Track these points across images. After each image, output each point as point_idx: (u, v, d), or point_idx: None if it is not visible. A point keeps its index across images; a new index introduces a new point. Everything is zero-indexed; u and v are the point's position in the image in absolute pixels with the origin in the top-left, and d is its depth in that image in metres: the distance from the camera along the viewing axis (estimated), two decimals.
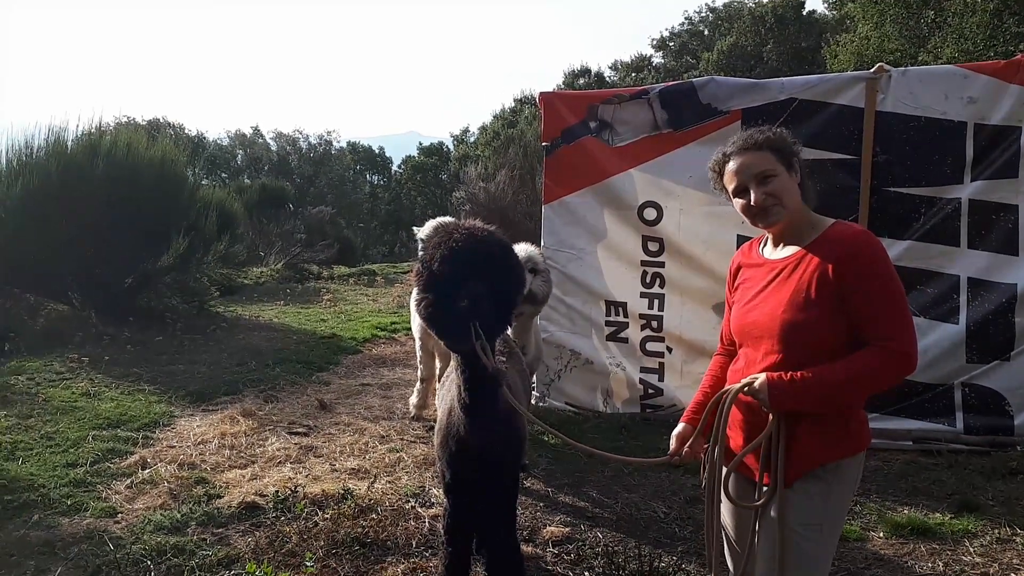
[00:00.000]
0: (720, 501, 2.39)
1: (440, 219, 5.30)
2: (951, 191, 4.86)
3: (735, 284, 2.44)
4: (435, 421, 5.75)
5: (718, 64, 32.59)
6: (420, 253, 5.29)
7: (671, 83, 5.46)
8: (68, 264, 8.85)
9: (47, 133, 8.82)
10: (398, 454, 5.04)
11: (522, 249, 4.12)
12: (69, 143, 8.82)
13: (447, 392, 3.11)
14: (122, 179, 8.73)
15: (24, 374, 6.58)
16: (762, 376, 2.17)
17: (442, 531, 3.19)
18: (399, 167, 48.40)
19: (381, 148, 51.22)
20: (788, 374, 2.12)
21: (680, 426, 2.49)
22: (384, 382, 6.87)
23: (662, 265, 5.49)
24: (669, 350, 5.55)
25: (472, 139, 46.04)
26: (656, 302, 5.53)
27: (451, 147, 46.79)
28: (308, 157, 45.80)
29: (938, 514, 4.14)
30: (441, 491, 3.71)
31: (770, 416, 2.20)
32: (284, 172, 40.02)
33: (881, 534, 3.93)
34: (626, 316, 5.64)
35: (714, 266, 5.30)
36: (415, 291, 4.24)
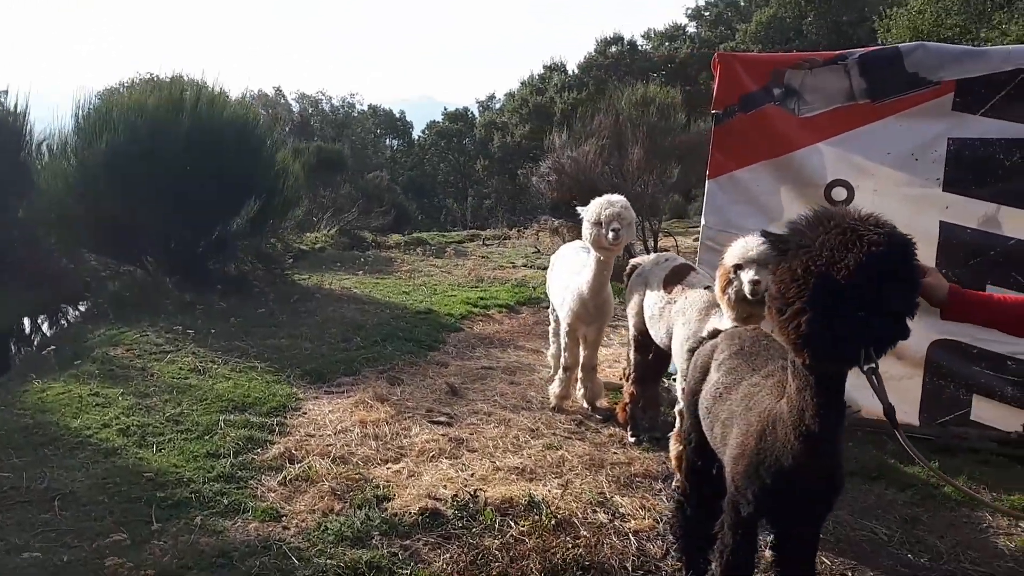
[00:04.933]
0: None
1: (610, 196, 4.77)
2: None
3: None
4: (580, 412, 5.34)
5: (756, 36, 31.66)
6: (589, 229, 4.68)
7: (873, 48, 4.87)
8: (144, 226, 8.40)
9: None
10: (558, 452, 4.57)
11: (760, 242, 3.56)
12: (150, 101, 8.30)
13: (739, 407, 2.61)
14: (203, 138, 8.22)
15: (121, 345, 6.15)
16: None
17: (718, 569, 2.73)
18: (422, 132, 47.53)
19: (402, 112, 50.34)
20: None
21: None
22: (503, 365, 6.40)
23: None
24: None
25: (498, 105, 45.30)
26: None
27: (476, 113, 46.04)
28: (331, 119, 45.17)
29: None
30: (674, 517, 3.26)
31: None
32: (306, 134, 39.44)
33: None
34: None
35: None
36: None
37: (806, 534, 2.57)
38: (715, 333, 3.26)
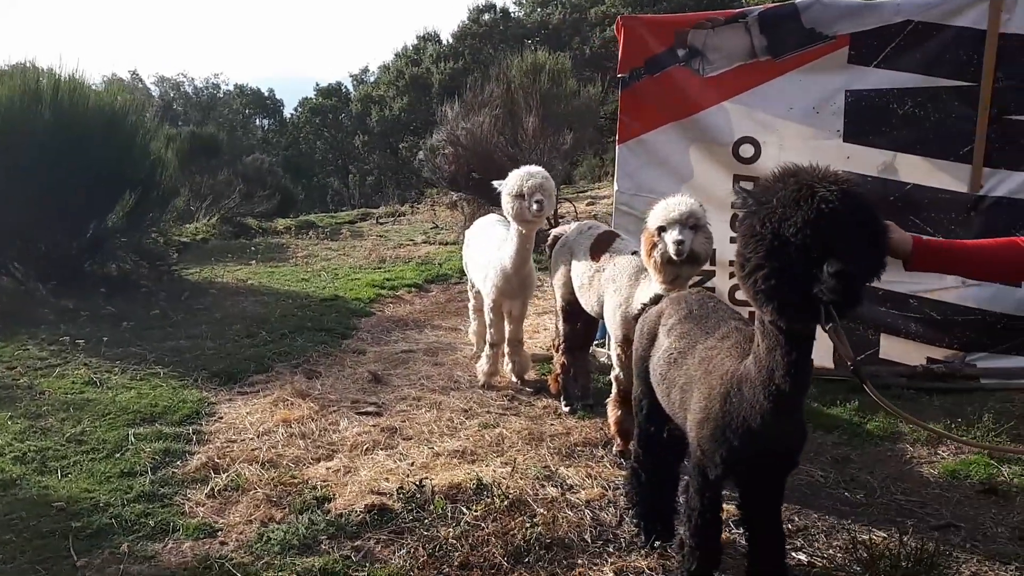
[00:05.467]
0: None
1: (529, 167, 4.67)
2: None
3: None
4: (510, 387, 5.26)
5: None
6: (510, 203, 4.54)
7: (771, 5, 4.97)
8: (6, 230, 7.67)
9: None
10: (496, 430, 4.49)
11: (680, 202, 3.58)
12: None
13: (697, 371, 2.60)
14: (68, 131, 7.54)
15: (0, 363, 5.58)
16: None
17: (687, 533, 2.74)
18: (295, 110, 45.50)
19: (271, 90, 48.00)
20: None
21: None
22: (423, 347, 6.23)
23: None
24: None
25: (373, 79, 44.04)
26: None
27: (350, 88, 44.59)
28: (195, 102, 42.87)
29: None
30: (630, 483, 3.24)
31: None
32: (170, 119, 37.25)
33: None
34: (712, 263, 5.21)
35: None
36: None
37: (772, 488, 2.60)
38: (658, 299, 3.25)
